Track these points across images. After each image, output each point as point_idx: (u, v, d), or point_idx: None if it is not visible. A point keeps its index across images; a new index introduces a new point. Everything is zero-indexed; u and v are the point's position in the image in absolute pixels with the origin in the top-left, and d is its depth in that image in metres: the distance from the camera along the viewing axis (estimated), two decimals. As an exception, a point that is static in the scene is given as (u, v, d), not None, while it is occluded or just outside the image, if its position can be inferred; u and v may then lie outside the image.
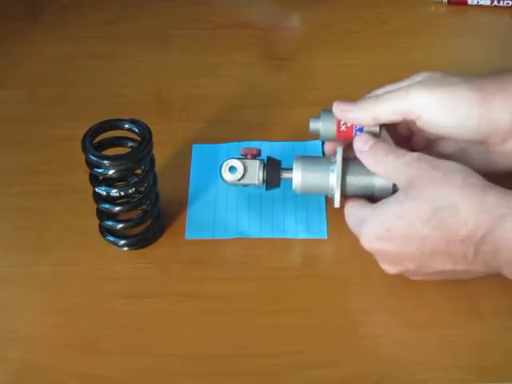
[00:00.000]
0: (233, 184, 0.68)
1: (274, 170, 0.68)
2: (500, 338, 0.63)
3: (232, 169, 0.68)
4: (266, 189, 0.69)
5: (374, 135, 0.67)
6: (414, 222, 0.59)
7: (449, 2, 0.96)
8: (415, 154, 0.63)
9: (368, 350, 0.62)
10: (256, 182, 0.68)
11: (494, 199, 0.58)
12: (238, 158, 0.68)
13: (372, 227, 0.62)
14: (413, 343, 0.63)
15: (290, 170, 0.68)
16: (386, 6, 0.96)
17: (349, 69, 0.87)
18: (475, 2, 0.96)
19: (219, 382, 0.61)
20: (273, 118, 0.82)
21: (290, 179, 0.68)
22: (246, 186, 0.69)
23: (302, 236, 0.71)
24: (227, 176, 0.68)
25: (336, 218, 0.69)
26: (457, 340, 0.63)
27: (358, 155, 0.66)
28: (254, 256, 0.69)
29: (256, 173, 0.68)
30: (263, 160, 0.68)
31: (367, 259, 0.64)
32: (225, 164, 0.68)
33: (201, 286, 0.67)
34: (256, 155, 0.68)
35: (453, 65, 0.89)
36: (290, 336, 0.63)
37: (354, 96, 0.84)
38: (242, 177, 0.68)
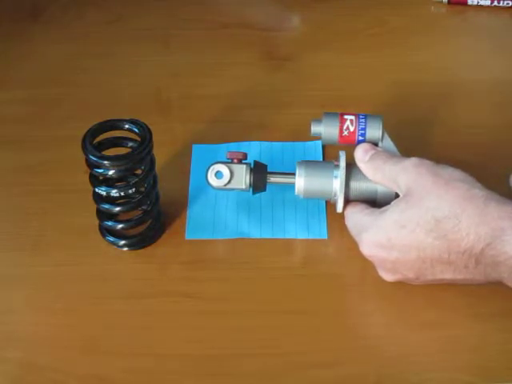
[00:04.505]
0: (219, 188, 0.68)
1: (260, 174, 0.68)
2: (499, 339, 0.63)
3: (218, 173, 0.67)
4: (253, 193, 0.68)
5: (376, 143, 0.67)
6: (416, 232, 0.59)
7: (449, 2, 0.96)
8: (413, 159, 0.62)
9: (368, 350, 0.62)
10: (243, 187, 0.67)
11: (495, 211, 0.57)
12: (224, 162, 0.67)
13: (373, 235, 0.62)
14: (413, 343, 0.63)
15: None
16: (386, 6, 0.96)
17: (349, 69, 0.87)
18: (475, 2, 0.95)
19: (219, 381, 0.61)
20: (273, 118, 0.81)
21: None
22: (232, 190, 0.68)
23: (302, 236, 0.70)
24: (213, 181, 0.67)
25: (336, 218, 0.69)
26: (457, 340, 0.63)
27: (359, 165, 0.66)
28: (254, 256, 0.69)
29: (243, 177, 0.67)
30: (250, 164, 0.68)
31: (367, 259, 0.64)
32: (211, 169, 0.67)
33: (201, 286, 0.67)
34: (242, 159, 0.68)
35: (452, 65, 0.89)
36: (290, 336, 0.63)
37: (354, 96, 0.84)
38: (229, 182, 0.67)
